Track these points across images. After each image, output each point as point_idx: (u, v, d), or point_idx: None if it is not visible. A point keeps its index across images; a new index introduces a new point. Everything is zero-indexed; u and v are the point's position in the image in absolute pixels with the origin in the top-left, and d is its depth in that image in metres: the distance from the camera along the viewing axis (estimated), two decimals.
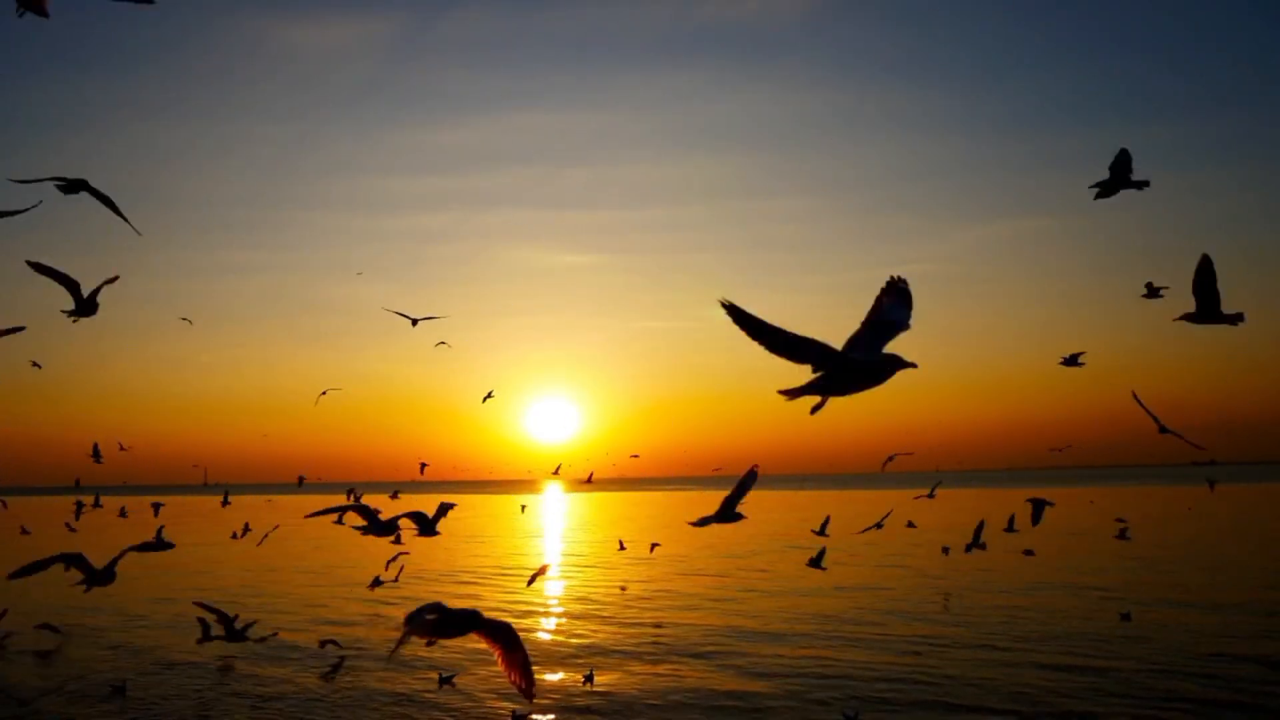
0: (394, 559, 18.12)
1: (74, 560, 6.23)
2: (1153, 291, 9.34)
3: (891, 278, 4.11)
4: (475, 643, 16.33)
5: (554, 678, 13.94)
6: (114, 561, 6.37)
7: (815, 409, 3.68)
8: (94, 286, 6.57)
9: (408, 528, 8.87)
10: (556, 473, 27.04)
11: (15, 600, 17.89)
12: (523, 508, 60.19)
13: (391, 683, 13.50)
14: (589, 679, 13.26)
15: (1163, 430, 7.50)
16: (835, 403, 3.77)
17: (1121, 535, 25.76)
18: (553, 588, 25.14)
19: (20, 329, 5.74)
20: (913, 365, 3.54)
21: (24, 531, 38.94)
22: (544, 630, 18.34)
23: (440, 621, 4.18)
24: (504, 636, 4.25)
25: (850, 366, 3.41)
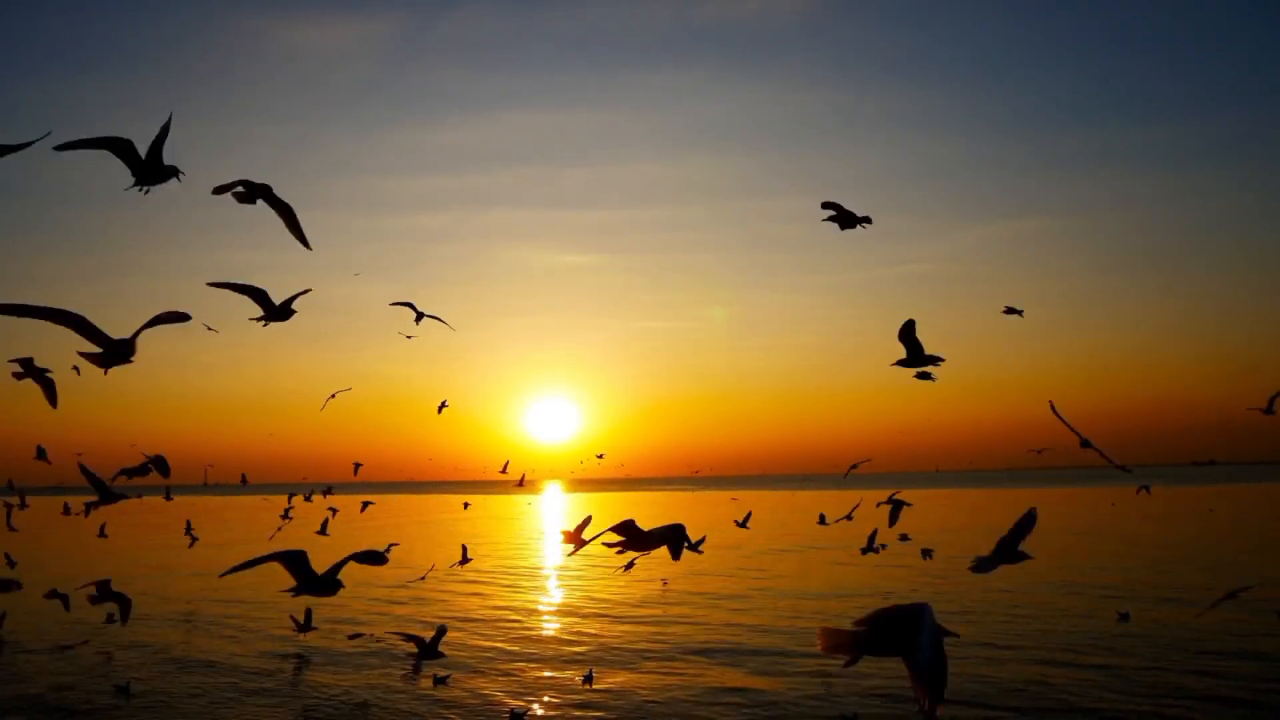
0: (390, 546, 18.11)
1: (293, 560, 5.43)
2: (1010, 310, 10.29)
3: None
4: (477, 641, 16.24)
5: (554, 676, 13.98)
6: (337, 568, 5.55)
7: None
8: (289, 296, 6.66)
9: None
10: (504, 471, 26.52)
11: (15, 603, 17.92)
12: (477, 504, 60.14)
13: (388, 683, 13.53)
14: (588, 679, 13.29)
15: (1084, 444, 7.48)
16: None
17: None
18: (573, 587, 25.18)
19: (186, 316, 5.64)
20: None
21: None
22: (553, 629, 18.36)
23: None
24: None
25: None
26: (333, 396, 11.53)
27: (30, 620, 18.24)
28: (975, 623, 17.49)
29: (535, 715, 11.87)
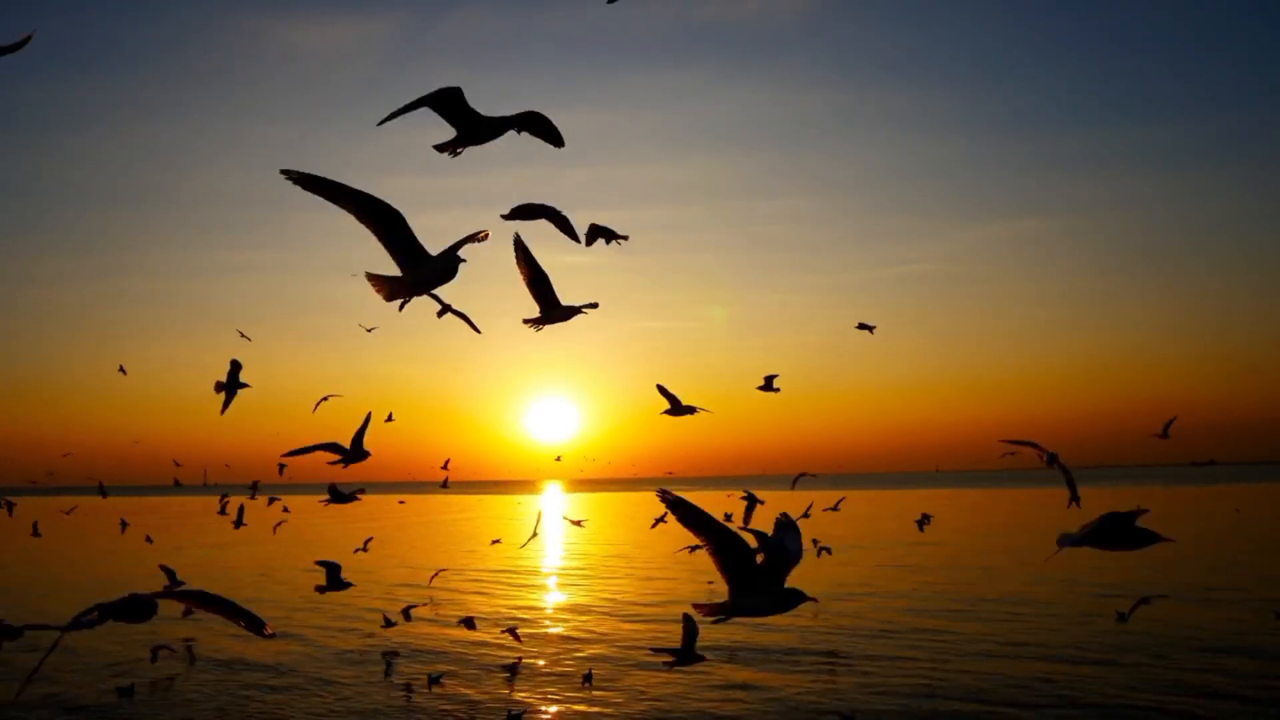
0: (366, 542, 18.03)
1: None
2: (863, 326, 10.82)
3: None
4: (473, 642, 16.21)
5: (553, 677, 13.99)
6: (359, 435, 7.10)
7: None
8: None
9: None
10: (444, 468, 25.42)
11: (16, 607, 17.92)
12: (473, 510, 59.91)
13: (384, 684, 13.53)
14: (587, 679, 13.30)
15: (1051, 462, 7.52)
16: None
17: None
18: (572, 589, 25.18)
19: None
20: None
21: None
22: (552, 631, 18.36)
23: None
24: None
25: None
26: (324, 400, 11.40)
27: (34, 617, 18.25)
28: (975, 621, 17.50)
29: (533, 716, 11.86)
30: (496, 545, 28.84)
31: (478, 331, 7.58)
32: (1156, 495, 72.77)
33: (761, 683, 13.25)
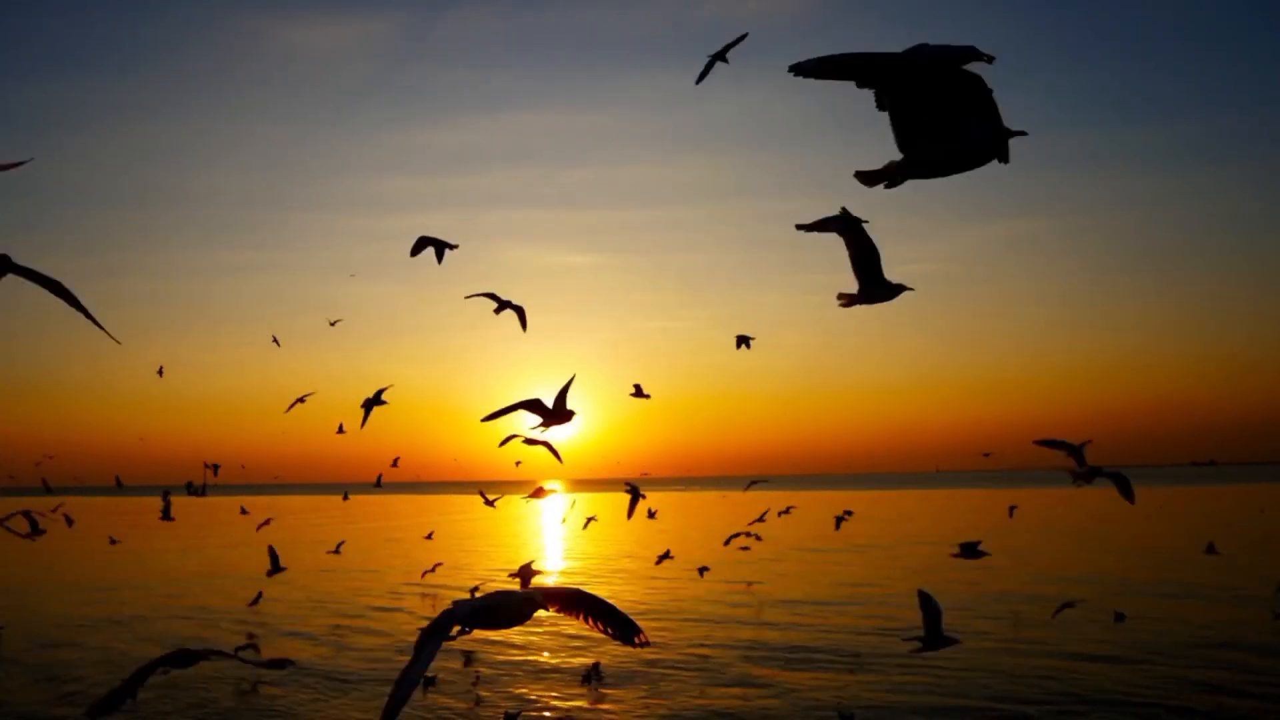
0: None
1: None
2: (741, 340, 10.75)
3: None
4: (470, 642, 16.21)
5: (551, 677, 14.00)
6: (564, 391, 6.57)
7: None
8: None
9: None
10: (395, 465, 23.42)
11: (18, 612, 17.96)
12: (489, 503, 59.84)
13: (378, 684, 13.54)
14: (587, 679, 13.31)
15: (1081, 477, 7.46)
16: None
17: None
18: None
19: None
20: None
21: None
22: (549, 632, 18.39)
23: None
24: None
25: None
26: (300, 401, 11.27)
27: (34, 621, 18.29)
28: (975, 619, 17.52)
29: (531, 716, 11.85)
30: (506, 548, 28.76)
31: (524, 329, 7.57)
32: (1157, 495, 72.84)
33: (765, 681, 13.27)
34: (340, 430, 17.03)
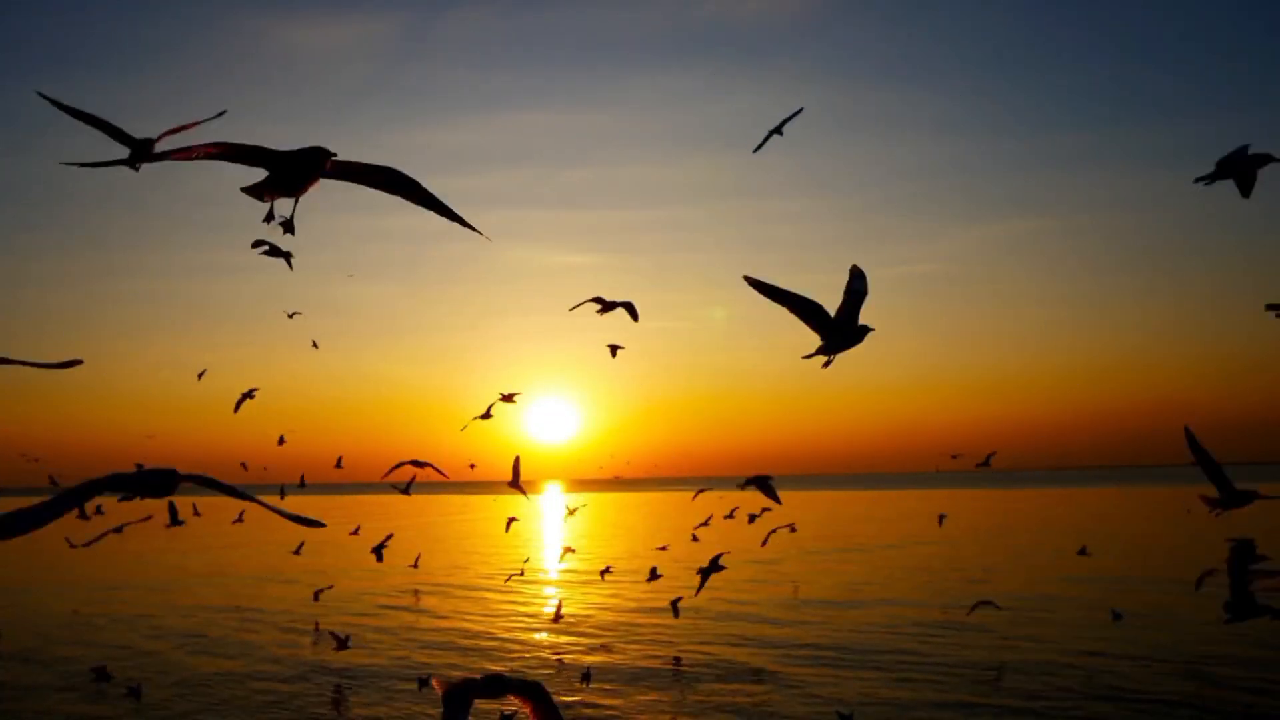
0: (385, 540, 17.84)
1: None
2: (613, 349, 10.74)
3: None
4: (464, 643, 16.21)
5: (548, 679, 14.06)
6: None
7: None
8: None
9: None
10: (338, 466, 22.46)
11: (19, 612, 17.98)
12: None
13: (374, 684, 13.58)
14: (586, 678, 13.36)
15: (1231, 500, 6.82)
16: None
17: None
18: (564, 596, 25.21)
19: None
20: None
21: None
22: (546, 635, 18.42)
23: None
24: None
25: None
26: (248, 396, 10.97)
27: (37, 621, 18.33)
28: (971, 623, 17.58)
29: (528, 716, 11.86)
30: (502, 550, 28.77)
31: (635, 319, 7.42)
32: (1156, 495, 72.90)
33: (764, 681, 13.32)
34: (281, 441, 16.99)
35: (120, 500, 4.05)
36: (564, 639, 16.94)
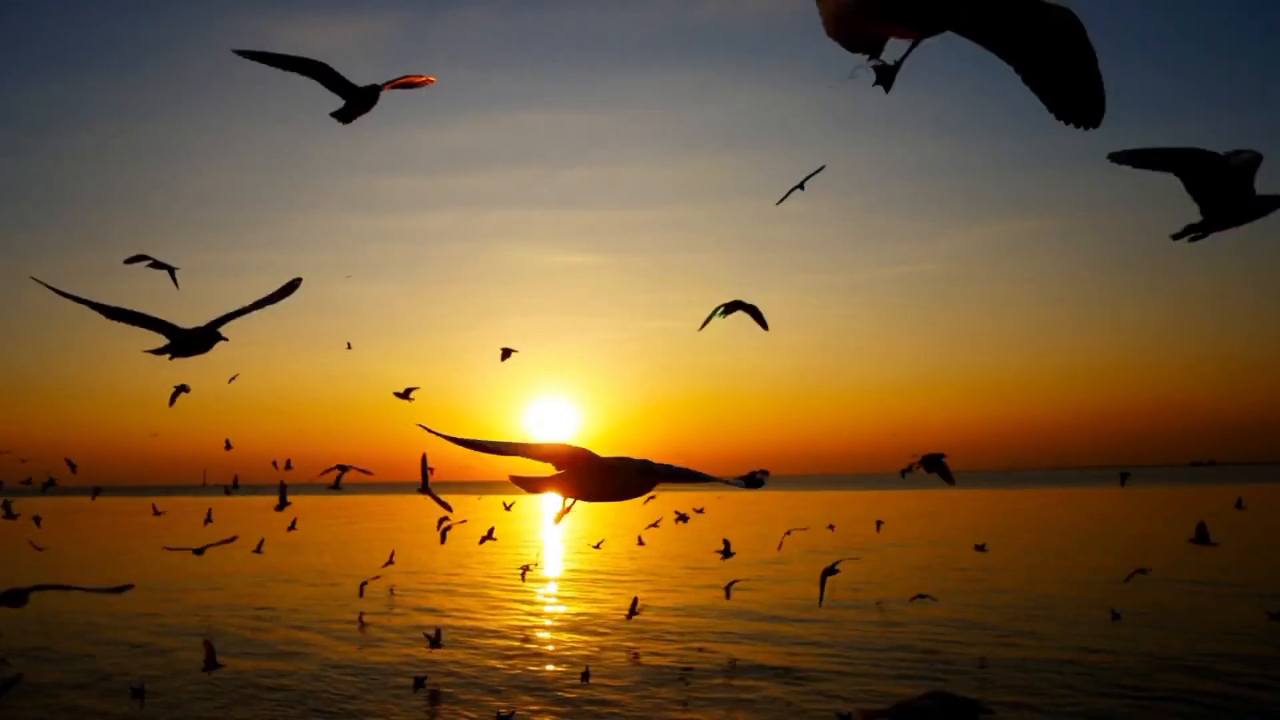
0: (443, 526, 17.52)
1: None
2: (505, 352, 11.28)
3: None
4: (460, 645, 16.28)
5: (544, 678, 14.12)
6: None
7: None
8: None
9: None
10: (288, 468, 20.94)
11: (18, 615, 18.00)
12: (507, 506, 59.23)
13: (370, 685, 13.64)
14: (585, 677, 13.42)
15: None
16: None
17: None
18: (561, 597, 25.28)
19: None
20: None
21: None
22: (544, 637, 18.50)
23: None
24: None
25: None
26: (182, 389, 10.89)
27: (40, 622, 18.37)
28: (974, 618, 17.66)
29: (525, 716, 11.91)
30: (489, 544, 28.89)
31: (765, 329, 7.23)
32: (1157, 495, 72.99)
33: (760, 682, 13.39)
34: (228, 446, 17.02)
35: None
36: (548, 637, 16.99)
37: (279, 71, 3.92)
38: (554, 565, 31.09)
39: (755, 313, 6.50)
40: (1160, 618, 17.62)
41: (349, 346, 13.50)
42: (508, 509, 24.28)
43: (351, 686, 13.38)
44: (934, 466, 7.54)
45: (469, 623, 18.87)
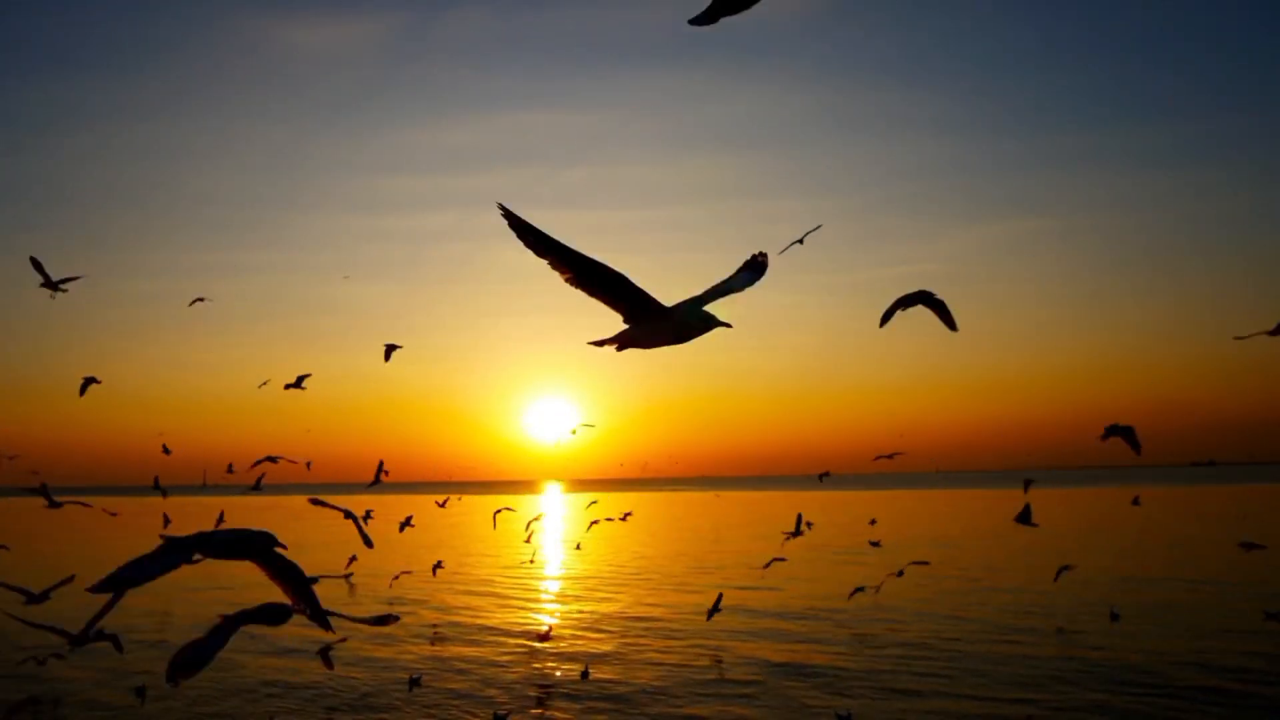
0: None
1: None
2: (389, 349, 11.47)
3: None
4: (457, 645, 16.25)
5: (542, 678, 14.14)
6: None
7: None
8: None
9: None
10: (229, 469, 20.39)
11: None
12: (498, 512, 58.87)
13: (370, 685, 13.65)
14: (584, 676, 13.43)
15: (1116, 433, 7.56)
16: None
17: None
18: (557, 599, 25.29)
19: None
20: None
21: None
22: (541, 637, 18.53)
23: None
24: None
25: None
26: (92, 382, 11.11)
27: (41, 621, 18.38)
28: (972, 619, 17.68)
29: (522, 716, 11.90)
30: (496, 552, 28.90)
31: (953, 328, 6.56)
32: (1156, 496, 73.00)
33: (761, 680, 13.41)
34: (166, 451, 17.01)
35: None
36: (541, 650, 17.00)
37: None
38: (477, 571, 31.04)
39: (941, 307, 5.91)
40: (1161, 616, 17.64)
41: (389, 350, 13.56)
42: (441, 505, 24.69)
43: (359, 684, 13.41)
44: (1120, 434, 7.75)
45: (473, 620, 18.89)
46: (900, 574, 17.44)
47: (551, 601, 22.67)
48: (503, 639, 17.08)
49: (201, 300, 14.24)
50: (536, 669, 14.48)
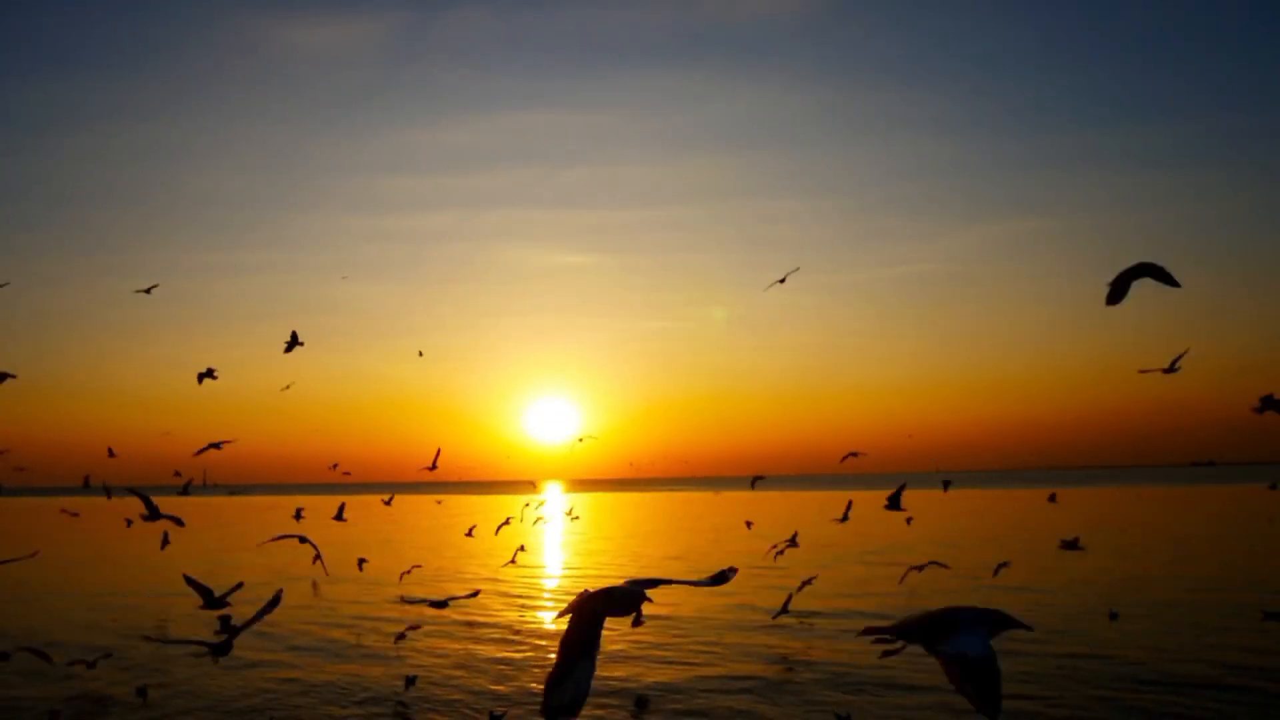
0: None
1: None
2: (291, 341, 11.26)
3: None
4: (453, 646, 16.24)
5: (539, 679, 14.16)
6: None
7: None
8: None
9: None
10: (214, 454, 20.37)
11: (22, 610, 18.05)
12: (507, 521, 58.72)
13: (365, 683, 13.67)
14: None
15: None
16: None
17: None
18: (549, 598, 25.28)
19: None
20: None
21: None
22: (539, 638, 18.53)
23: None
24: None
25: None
26: (8, 375, 11.01)
27: (46, 623, 18.46)
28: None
29: (520, 715, 11.91)
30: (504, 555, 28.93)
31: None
32: (1156, 495, 73.02)
33: (758, 682, 13.44)
34: (111, 454, 17.16)
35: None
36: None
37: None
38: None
39: (1161, 273, 5.78)
40: (1161, 615, 17.66)
41: (420, 354, 13.66)
42: (387, 504, 25.04)
43: (356, 683, 13.43)
44: (1275, 406, 8.06)
45: (470, 618, 18.92)
46: (921, 568, 17.85)
47: (552, 601, 22.70)
48: (502, 638, 17.10)
49: (152, 288, 14.46)
50: (536, 669, 14.50)
